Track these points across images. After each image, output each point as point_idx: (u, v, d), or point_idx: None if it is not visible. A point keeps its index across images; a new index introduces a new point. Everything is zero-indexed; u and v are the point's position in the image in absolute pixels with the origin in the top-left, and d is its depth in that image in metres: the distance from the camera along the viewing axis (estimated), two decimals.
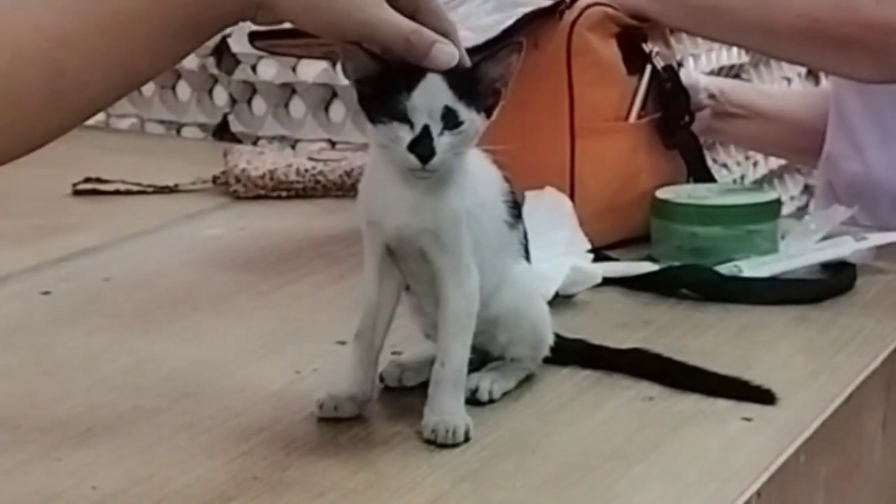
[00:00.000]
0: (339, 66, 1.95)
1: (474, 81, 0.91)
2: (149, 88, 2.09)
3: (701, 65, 2.36)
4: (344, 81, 1.96)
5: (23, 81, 0.81)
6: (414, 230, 0.93)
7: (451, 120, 0.90)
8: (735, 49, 2.41)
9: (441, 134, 0.90)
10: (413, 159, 0.90)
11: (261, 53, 1.79)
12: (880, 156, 1.57)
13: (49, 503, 0.86)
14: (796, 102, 1.74)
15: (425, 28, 0.89)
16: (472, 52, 1.28)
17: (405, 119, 0.89)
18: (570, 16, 1.34)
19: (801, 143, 1.67)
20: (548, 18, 1.34)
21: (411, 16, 0.90)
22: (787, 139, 1.68)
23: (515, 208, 0.99)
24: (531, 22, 1.33)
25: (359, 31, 0.89)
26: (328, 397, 0.96)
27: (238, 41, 1.99)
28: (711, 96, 1.57)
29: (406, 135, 0.89)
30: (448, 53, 0.89)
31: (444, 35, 0.90)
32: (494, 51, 0.92)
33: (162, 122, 2.11)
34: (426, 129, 0.89)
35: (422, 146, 0.89)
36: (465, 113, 0.90)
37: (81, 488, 0.87)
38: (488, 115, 0.92)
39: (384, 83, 0.90)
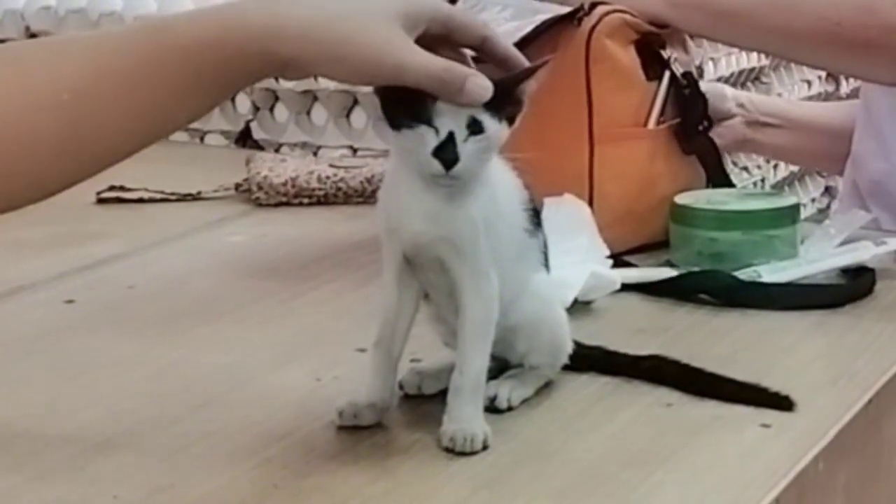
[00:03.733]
0: None
1: (501, 93, 0.91)
2: None
3: (720, 68, 2.36)
4: (365, 88, 1.98)
5: (37, 130, 0.82)
6: (431, 238, 0.93)
7: (475, 128, 0.90)
8: (754, 53, 2.40)
9: (466, 141, 0.90)
10: (437, 165, 0.90)
11: None
12: None
13: None
14: (826, 109, 1.73)
15: (456, 63, 0.90)
16: None
17: (430, 124, 0.90)
18: (588, 23, 1.34)
19: (833, 149, 1.66)
20: (566, 25, 1.35)
21: (478, 46, 0.91)
22: (820, 146, 1.67)
23: (535, 217, 0.99)
24: (550, 29, 1.34)
25: (389, 76, 0.89)
26: (348, 405, 0.97)
27: None
28: (740, 105, 1.58)
29: (431, 139, 0.90)
30: (482, 87, 0.89)
31: (508, 58, 0.93)
32: (529, 69, 0.93)
33: (185, 129, 2.12)
34: (451, 135, 0.90)
35: (446, 152, 0.90)
36: (490, 122, 0.91)
37: (103, 497, 0.88)
38: (510, 123, 0.93)
39: (407, 90, 0.90)
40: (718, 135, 1.43)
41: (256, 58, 0.87)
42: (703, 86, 1.44)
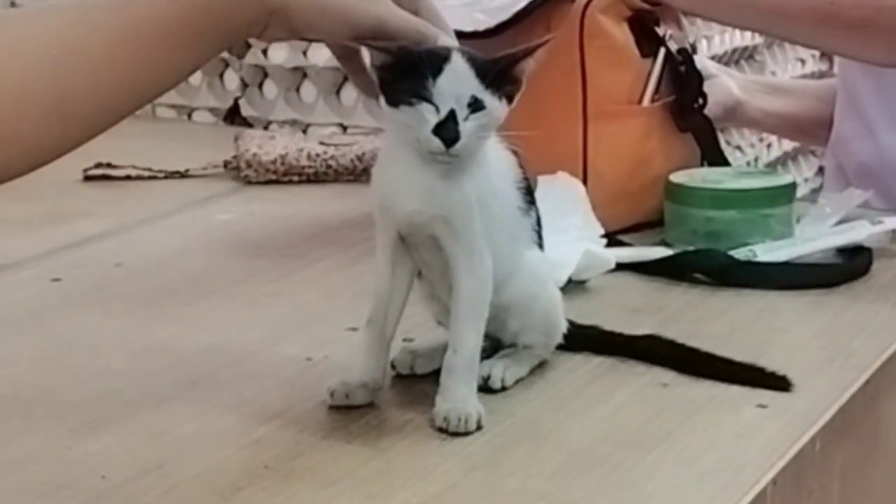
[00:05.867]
0: None
1: (500, 71, 0.91)
2: None
3: (714, 46, 2.35)
4: None
5: (27, 90, 0.80)
6: (426, 217, 0.92)
7: (476, 106, 0.90)
8: (748, 31, 2.39)
9: (466, 119, 0.89)
10: (437, 142, 0.89)
11: None
12: (892, 137, 1.56)
13: (58, 492, 0.85)
14: (816, 82, 1.73)
15: (428, 23, 0.92)
16: (484, 34, 1.29)
17: (430, 101, 0.89)
18: None
19: (825, 115, 1.66)
20: (560, 1, 1.33)
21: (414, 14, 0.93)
22: (811, 111, 1.69)
23: (529, 195, 0.99)
24: (543, 4, 1.33)
25: (372, 26, 0.90)
26: (340, 385, 0.96)
27: None
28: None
29: (432, 117, 0.89)
30: (451, 47, 0.91)
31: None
32: (529, 48, 0.92)
33: (173, 106, 2.10)
34: (452, 113, 0.89)
35: (447, 129, 0.89)
36: (490, 99, 0.90)
37: (91, 477, 0.87)
38: (510, 102, 0.92)
39: (407, 68, 0.90)
40: (710, 94, 1.42)
41: (244, 8, 0.86)
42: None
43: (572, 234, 1.18)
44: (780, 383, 1.00)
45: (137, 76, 0.84)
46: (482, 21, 1.30)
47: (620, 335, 1.06)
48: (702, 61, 1.54)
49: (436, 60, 0.90)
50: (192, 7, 0.85)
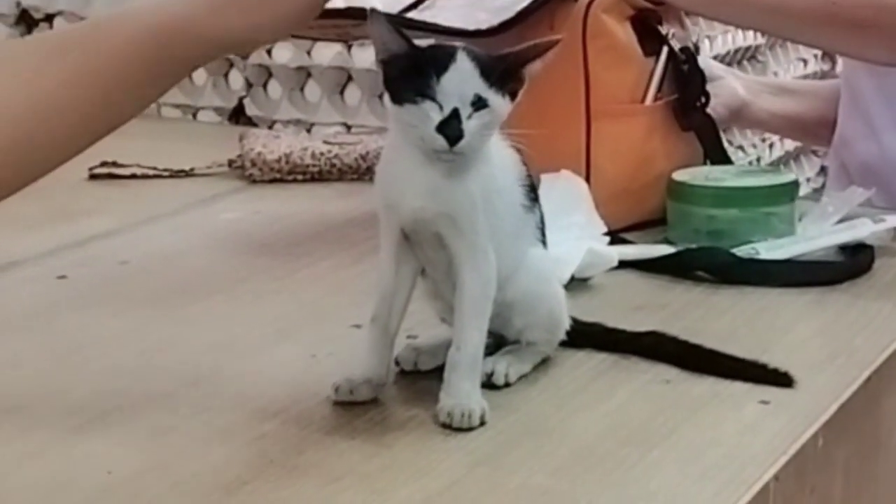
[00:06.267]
0: (353, 50, 1.95)
1: (505, 69, 0.91)
2: None
3: (717, 46, 2.35)
4: (359, 65, 1.97)
5: None
6: (430, 214, 0.92)
7: (480, 104, 0.90)
8: (750, 31, 2.39)
9: (470, 117, 0.90)
10: (441, 141, 0.89)
11: None
12: (895, 137, 1.56)
13: (64, 489, 0.86)
14: (820, 82, 1.73)
15: None
16: (486, 33, 1.30)
17: (434, 100, 0.89)
18: None
19: (830, 115, 1.66)
20: (563, 1, 1.34)
21: None
22: (816, 112, 1.68)
23: (532, 192, 0.99)
24: (546, 4, 1.33)
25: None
26: (344, 381, 0.96)
27: None
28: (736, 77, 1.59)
29: (436, 115, 0.89)
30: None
31: None
32: (537, 49, 0.92)
33: (178, 106, 2.11)
34: (456, 111, 0.89)
35: (451, 128, 0.89)
36: (494, 97, 0.90)
37: (97, 474, 0.87)
38: (513, 99, 0.92)
39: (411, 65, 0.90)
40: (716, 95, 1.42)
41: (196, 45, 0.88)
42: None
43: (575, 232, 1.19)
44: (782, 380, 1.00)
45: (96, 116, 0.86)
46: (484, 20, 1.31)
47: (623, 332, 1.06)
48: (706, 62, 1.55)
49: (441, 59, 0.90)
50: (147, 47, 0.86)
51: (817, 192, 1.79)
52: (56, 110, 0.84)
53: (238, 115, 2.08)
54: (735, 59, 2.40)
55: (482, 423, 0.92)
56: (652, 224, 1.34)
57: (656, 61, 1.37)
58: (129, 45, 0.86)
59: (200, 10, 0.88)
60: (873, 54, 1.43)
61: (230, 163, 1.61)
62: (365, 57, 1.91)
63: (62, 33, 0.91)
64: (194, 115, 2.10)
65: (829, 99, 1.67)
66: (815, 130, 1.72)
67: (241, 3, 0.89)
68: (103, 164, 1.58)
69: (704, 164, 1.39)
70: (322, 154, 1.58)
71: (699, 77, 1.39)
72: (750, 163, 2.38)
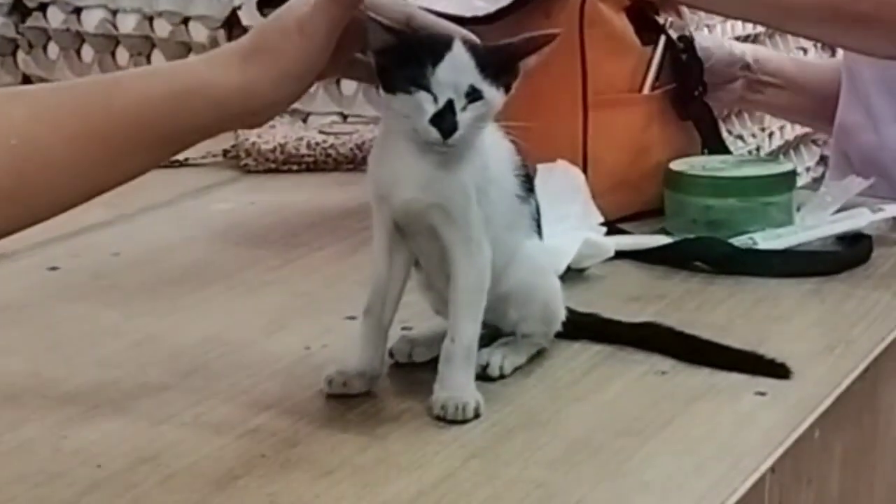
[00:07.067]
0: None
1: (501, 61, 0.90)
2: (159, 61, 2.08)
3: (716, 35, 2.34)
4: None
5: None
6: (423, 205, 0.92)
7: (474, 96, 0.89)
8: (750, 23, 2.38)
9: (464, 109, 0.89)
10: (435, 133, 0.88)
11: None
12: (894, 128, 1.56)
13: (54, 481, 0.85)
14: (827, 70, 1.72)
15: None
16: (483, 20, 1.29)
17: (428, 90, 0.88)
18: None
19: (829, 112, 1.65)
20: None
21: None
22: (817, 108, 1.67)
23: (527, 183, 0.98)
24: None
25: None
26: (337, 373, 0.95)
27: (248, 14, 1.97)
28: (745, 66, 1.57)
29: (430, 106, 0.88)
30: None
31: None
32: (535, 43, 0.91)
33: None
34: (450, 103, 0.88)
35: (445, 120, 0.88)
36: (488, 89, 0.89)
37: (87, 467, 0.86)
38: (507, 91, 0.91)
39: (406, 54, 0.89)
40: (717, 98, 1.41)
41: (209, 115, 0.87)
42: (710, 42, 1.42)
43: (572, 223, 1.18)
44: (779, 371, 0.99)
45: (96, 174, 0.86)
46: (481, 7, 1.30)
47: (620, 323, 1.05)
48: (725, 48, 1.54)
49: (436, 48, 0.89)
50: (156, 113, 0.85)
51: (817, 182, 1.78)
52: (52, 161, 0.83)
53: None
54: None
55: (477, 416, 0.92)
56: (649, 214, 1.33)
57: (654, 50, 1.36)
58: (142, 106, 0.85)
59: (220, 70, 0.87)
60: (875, 48, 1.43)
61: (225, 153, 1.61)
62: None
63: (84, 86, 0.90)
64: None
65: (835, 95, 1.65)
66: (814, 123, 1.72)
67: (263, 58, 0.87)
68: None
69: (702, 153, 1.39)
70: (317, 144, 1.58)
71: (697, 66, 1.38)
72: (749, 152, 2.37)
